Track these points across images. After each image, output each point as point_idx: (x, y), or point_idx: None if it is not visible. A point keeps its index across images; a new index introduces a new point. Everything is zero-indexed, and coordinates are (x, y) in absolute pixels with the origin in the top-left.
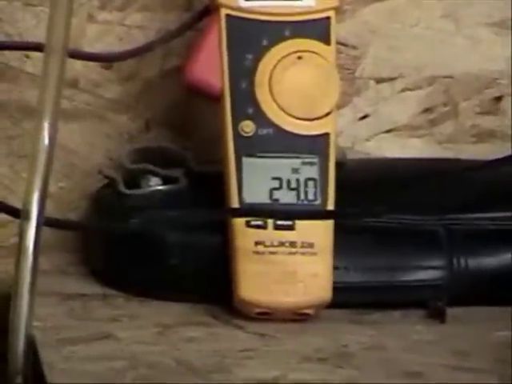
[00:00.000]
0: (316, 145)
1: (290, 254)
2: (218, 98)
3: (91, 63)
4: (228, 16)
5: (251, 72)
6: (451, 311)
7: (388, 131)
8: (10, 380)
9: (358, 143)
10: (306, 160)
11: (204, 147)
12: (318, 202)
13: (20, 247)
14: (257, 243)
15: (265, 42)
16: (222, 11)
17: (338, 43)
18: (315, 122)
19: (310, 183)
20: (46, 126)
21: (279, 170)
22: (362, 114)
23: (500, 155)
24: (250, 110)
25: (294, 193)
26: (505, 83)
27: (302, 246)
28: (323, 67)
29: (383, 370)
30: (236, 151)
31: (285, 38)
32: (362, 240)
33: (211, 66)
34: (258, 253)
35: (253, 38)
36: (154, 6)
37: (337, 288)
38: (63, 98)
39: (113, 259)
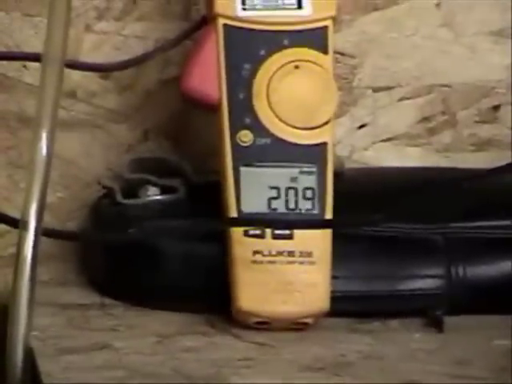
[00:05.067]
0: (314, 154)
1: (289, 263)
2: (215, 108)
3: (89, 73)
4: (225, 26)
5: (249, 82)
6: (450, 320)
7: (386, 140)
8: None
9: (356, 152)
10: (304, 169)
11: (202, 157)
12: (316, 211)
13: (18, 257)
14: (255, 253)
15: (262, 52)
16: (219, 21)
17: (336, 52)
18: (313, 131)
19: (308, 192)
20: (43, 136)
21: (277, 180)
22: (359, 123)
23: (498, 164)
24: (248, 120)
25: (292, 202)
26: (503, 92)
27: (301, 256)
28: (321, 76)
29: (382, 378)
30: (234, 161)
31: (282, 48)
32: (360, 249)
33: (208, 75)
34: (256, 262)
35: (250, 48)
36: (152, 16)
37: (335, 297)
38: (61, 108)
39: (111, 269)
